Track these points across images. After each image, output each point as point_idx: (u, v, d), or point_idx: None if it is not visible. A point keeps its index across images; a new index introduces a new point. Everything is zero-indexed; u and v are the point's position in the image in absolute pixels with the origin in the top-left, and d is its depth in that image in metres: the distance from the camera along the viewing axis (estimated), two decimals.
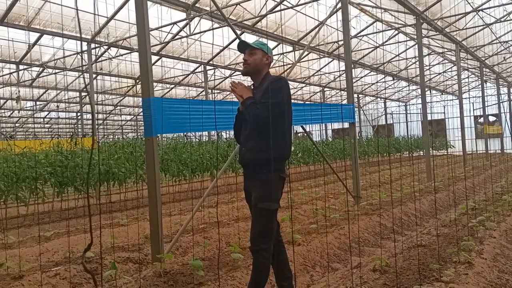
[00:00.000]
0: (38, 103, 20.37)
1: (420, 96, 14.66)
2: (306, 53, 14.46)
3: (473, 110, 22.53)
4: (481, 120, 21.95)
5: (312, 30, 13.95)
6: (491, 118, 24.45)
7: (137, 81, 17.25)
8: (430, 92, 27.74)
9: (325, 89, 24.89)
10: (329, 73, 20.69)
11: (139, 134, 26.40)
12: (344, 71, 7.39)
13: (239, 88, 2.94)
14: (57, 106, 22.03)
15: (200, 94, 22.05)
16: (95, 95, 16.93)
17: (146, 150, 3.94)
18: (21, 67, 14.29)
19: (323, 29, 13.39)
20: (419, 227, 5.78)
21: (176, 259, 4.21)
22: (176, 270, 3.68)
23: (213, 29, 12.25)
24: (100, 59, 14.31)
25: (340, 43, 13.99)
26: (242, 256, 3.85)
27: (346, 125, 7.42)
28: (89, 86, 13.48)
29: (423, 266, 3.46)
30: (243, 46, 3.02)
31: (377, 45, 16.88)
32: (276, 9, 11.85)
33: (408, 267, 3.51)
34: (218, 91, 21.74)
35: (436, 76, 23.78)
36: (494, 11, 13.31)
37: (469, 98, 24.89)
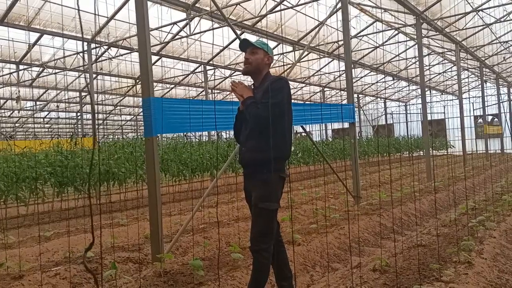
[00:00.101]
0: (38, 103, 20.38)
1: (420, 96, 14.67)
2: (306, 53, 14.46)
3: (473, 110, 22.53)
4: (480, 120, 21.95)
5: (312, 30, 13.95)
6: (491, 118, 24.44)
7: (137, 81, 17.25)
8: (430, 92, 27.75)
9: (325, 89, 24.90)
10: (329, 73, 20.70)
11: (139, 134, 26.40)
12: (344, 71, 7.39)
13: (240, 88, 2.94)
14: (57, 106, 22.04)
15: (200, 94, 22.06)
16: (95, 95, 16.93)
17: (146, 150, 3.94)
18: (21, 67, 14.29)
19: (323, 29, 13.40)
20: (419, 227, 5.78)
21: (176, 259, 4.22)
22: (176, 270, 3.68)
23: (213, 29, 12.25)
24: (100, 59, 14.31)
25: (340, 43, 13.99)
26: (242, 256, 3.85)
27: (346, 125, 7.42)
28: (89, 86, 13.47)
29: (423, 266, 3.46)
30: (245, 45, 3.02)
31: (377, 45, 16.89)
32: (276, 9, 11.85)
33: (408, 267, 3.51)
34: (218, 91, 21.75)
35: (436, 76, 23.79)
36: (494, 11, 13.32)
37: (469, 98, 24.90)
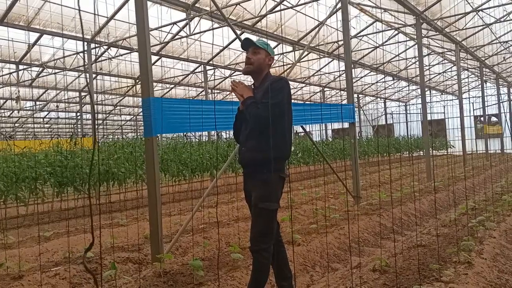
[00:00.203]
0: (37, 103, 20.37)
1: (420, 96, 14.67)
2: (306, 53, 14.46)
3: (473, 110, 22.53)
4: (481, 119, 21.95)
5: (312, 30, 13.95)
6: (493, 119, 24.44)
7: (137, 81, 17.25)
8: (430, 92, 27.75)
9: (325, 89, 24.90)
10: (329, 73, 20.69)
11: (138, 134, 26.39)
12: (344, 71, 7.39)
13: (240, 88, 2.94)
14: (57, 106, 22.03)
15: (200, 94, 22.05)
16: (95, 95, 16.92)
17: (146, 150, 3.94)
18: (20, 67, 14.28)
19: (323, 29, 13.40)
20: (419, 227, 5.78)
21: (176, 259, 4.21)
22: (176, 270, 3.67)
23: (213, 29, 12.25)
24: (100, 59, 14.31)
25: (340, 43, 13.99)
26: (242, 256, 3.85)
27: (346, 125, 7.42)
28: (89, 86, 13.46)
29: (423, 266, 3.46)
30: (247, 44, 3.02)
31: (377, 45, 16.89)
32: (276, 9, 11.85)
33: (408, 267, 3.51)
34: (218, 91, 21.74)
35: (436, 76, 23.79)
36: (494, 11, 13.32)
37: (469, 98, 24.89)
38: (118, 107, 24.88)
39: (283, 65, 16.06)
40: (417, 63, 13.34)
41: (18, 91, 16.21)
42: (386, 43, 16.63)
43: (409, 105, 32.17)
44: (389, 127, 31.11)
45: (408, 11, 11.02)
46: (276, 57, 15.03)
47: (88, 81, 13.27)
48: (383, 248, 4.66)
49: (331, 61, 19.23)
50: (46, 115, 24.89)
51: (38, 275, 3.63)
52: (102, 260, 4.15)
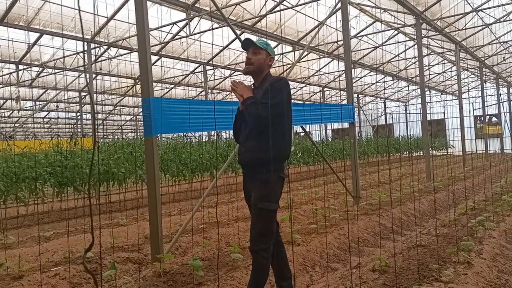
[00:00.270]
0: (37, 103, 20.37)
1: (419, 96, 14.67)
2: (305, 53, 14.46)
3: (473, 110, 22.54)
4: (481, 119, 21.96)
5: (311, 30, 13.96)
6: (493, 119, 24.45)
7: (137, 81, 17.25)
8: (430, 92, 27.76)
9: (325, 89, 24.91)
10: (328, 73, 20.71)
11: (138, 134, 26.40)
12: (343, 71, 7.39)
13: (240, 88, 2.94)
14: (57, 106, 22.03)
15: (200, 94, 22.06)
16: (95, 95, 16.93)
17: (146, 150, 3.94)
18: (20, 67, 14.29)
19: (323, 29, 13.40)
20: (419, 227, 5.78)
21: (176, 259, 4.21)
22: (176, 270, 3.68)
23: (212, 29, 12.26)
24: (99, 59, 14.31)
25: (340, 43, 14.00)
26: (242, 256, 3.85)
27: (346, 125, 7.42)
28: (89, 86, 13.47)
29: (423, 266, 3.46)
30: (248, 44, 3.02)
31: (377, 45, 16.89)
32: (276, 9, 11.85)
33: (408, 267, 3.51)
34: (218, 91, 21.75)
35: (436, 76, 23.80)
36: (494, 11, 13.32)
37: (468, 98, 24.91)
38: (118, 107, 24.88)
39: (283, 65, 16.07)
40: (417, 63, 13.36)
41: (18, 91, 16.22)
42: (386, 43, 16.63)
43: (409, 105, 32.19)
44: (389, 127, 31.12)
45: (408, 11, 11.03)
46: (276, 57, 15.01)
47: (88, 81, 13.26)
48: (383, 248, 4.66)
49: (331, 61, 19.24)
50: (46, 115, 24.89)
51: (38, 275, 3.63)
52: (102, 260, 4.16)
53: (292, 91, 3.12)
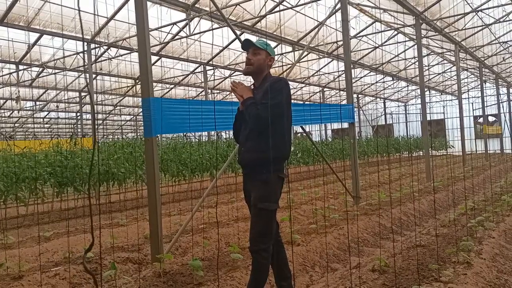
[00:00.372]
0: (37, 103, 20.38)
1: (419, 96, 14.69)
2: (305, 53, 14.47)
3: (473, 110, 22.55)
4: (481, 120, 21.97)
5: (311, 30, 13.96)
6: (491, 119, 24.45)
7: (137, 81, 17.26)
8: (430, 92, 27.78)
9: (325, 89, 24.92)
10: (328, 73, 20.71)
11: (138, 134, 26.40)
12: (343, 71, 7.40)
13: (240, 88, 2.95)
14: (57, 106, 22.04)
15: (200, 94, 22.07)
16: (95, 95, 16.94)
17: (146, 150, 3.94)
18: (20, 67, 14.30)
19: (323, 30, 13.41)
20: (418, 227, 5.79)
21: (176, 259, 4.22)
22: (176, 270, 3.68)
23: (212, 29, 12.26)
24: (100, 59, 14.32)
25: (340, 43, 14.01)
26: (242, 256, 3.85)
27: (345, 125, 7.43)
28: (89, 86, 13.48)
29: (422, 266, 3.46)
30: (247, 45, 3.02)
31: (377, 45, 16.90)
32: (276, 9, 11.86)
33: (407, 267, 3.51)
34: (218, 91, 21.76)
35: (436, 77, 23.82)
36: (493, 12, 13.33)
37: (468, 98, 24.94)
38: (118, 107, 24.89)
39: (282, 66, 16.07)
40: (417, 63, 13.36)
41: (18, 91, 16.23)
42: (386, 44, 16.65)
43: (408, 105, 32.20)
44: (388, 127, 31.13)
45: (408, 11, 11.04)
46: (275, 58, 15.01)
47: (88, 81, 13.26)
48: (383, 248, 4.67)
49: (331, 61, 19.24)
50: (46, 115, 24.90)
51: (38, 275, 3.63)
52: (102, 260, 4.16)
53: (292, 91, 3.13)
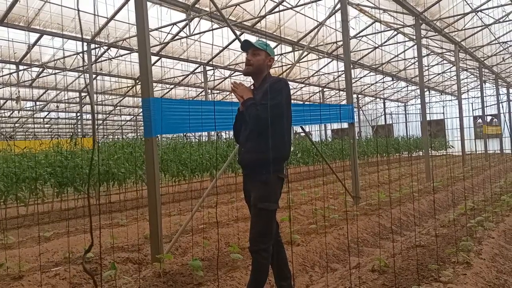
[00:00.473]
0: (38, 103, 20.39)
1: (419, 97, 14.69)
2: (305, 53, 14.48)
3: (472, 110, 22.56)
4: (479, 120, 21.99)
5: (311, 30, 13.97)
6: (489, 118, 24.48)
7: (137, 81, 17.26)
8: (429, 92, 27.78)
9: (325, 89, 24.93)
10: (328, 73, 20.72)
11: (138, 134, 26.41)
12: (343, 72, 7.40)
13: (240, 89, 2.96)
14: (57, 107, 22.04)
15: (200, 95, 22.08)
16: (95, 95, 16.94)
17: (146, 151, 3.95)
18: (21, 67, 14.30)
19: (323, 30, 13.42)
20: (418, 227, 5.79)
21: (176, 260, 4.22)
22: (176, 271, 3.69)
23: (212, 29, 12.26)
24: (100, 60, 14.32)
25: (339, 43, 14.02)
26: (242, 257, 3.86)
27: (345, 125, 7.43)
28: (89, 86, 13.48)
29: (422, 266, 3.47)
30: (246, 46, 3.03)
31: (376, 45, 16.91)
32: (276, 9, 11.86)
33: (407, 267, 3.52)
34: (218, 91, 21.77)
35: (435, 77, 23.82)
36: (493, 12, 13.34)
37: (468, 98, 24.96)
38: (118, 108, 24.90)
39: (282, 66, 16.08)
40: (416, 63, 13.37)
41: (18, 92, 16.24)
42: (386, 44, 16.65)
43: (408, 105, 32.21)
44: (388, 127, 31.14)
45: (407, 11, 11.05)
46: (275, 58, 15.02)
47: (88, 81, 13.27)
48: (382, 248, 4.67)
49: (331, 61, 19.25)
50: (46, 116, 24.90)
51: (38, 276, 3.64)
52: (102, 260, 4.16)
53: (291, 92, 3.14)
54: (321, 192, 8.55)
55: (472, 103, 22.92)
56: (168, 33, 12.84)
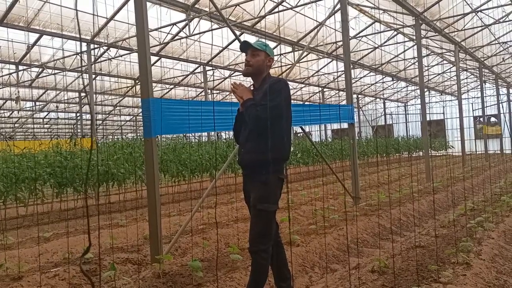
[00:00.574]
0: (37, 103, 20.38)
1: (419, 97, 14.69)
2: (305, 53, 14.48)
3: (472, 110, 22.56)
4: (480, 120, 21.99)
5: (311, 31, 13.97)
6: (492, 119, 24.47)
7: (137, 81, 17.26)
8: (429, 92, 27.78)
9: (324, 89, 24.92)
10: (328, 73, 20.72)
11: (138, 134, 26.40)
12: (343, 72, 7.40)
13: (240, 89, 2.95)
14: (57, 107, 22.04)
15: (200, 95, 22.07)
16: (95, 95, 16.94)
17: (146, 151, 3.94)
18: (20, 67, 14.30)
19: (322, 30, 13.42)
20: (418, 228, 5.79)
21: (175, 260, 4.22)
22: (175, 271, 3.68)
23: (212, 29, 12.26)
24: (99, 60, 14.32)
25: (339, 43, 14.02)
26: (241, 257, 3.85)
27: (345, 125, 7.43)
28: (88, 86, 13.48)
29: (422, 267, 3.46)
30: (246, 46, 3.02)
31: (376, 45, 16.91)
32: (275, 10, 11.86)
33: (407, 268, 3.51)
34: (218, 91, 21.76)
35: (435, 77, 23.82)
36: (493, 12, 13.34)
37: (468, 98, 24.96)
38: (117, 108, 24.89)
39: (281, 66, 16.08)
40: (416, 63, 13.37)
41: (18, 92, 16.22)
42: (385, 44, 16.65)
43: (408, 105, 32.21)
44: (388, 128, 31.14)
45: (407, 12, 11.05)
46: (275, 58, 15.02)
47: (88, 82, 13.26)
48: (382, 249, 4.67)
49: (331, 61, 19.25)
50: (46, 116, 24.90)
51: (37, 276, 3.63)
52: (101, 261, 4.16)
53: (291, 92, 3.13)
54: (321, 193, 8.55)
55: (472, 103, 22.91)
56: (168, 33, 12.84)
